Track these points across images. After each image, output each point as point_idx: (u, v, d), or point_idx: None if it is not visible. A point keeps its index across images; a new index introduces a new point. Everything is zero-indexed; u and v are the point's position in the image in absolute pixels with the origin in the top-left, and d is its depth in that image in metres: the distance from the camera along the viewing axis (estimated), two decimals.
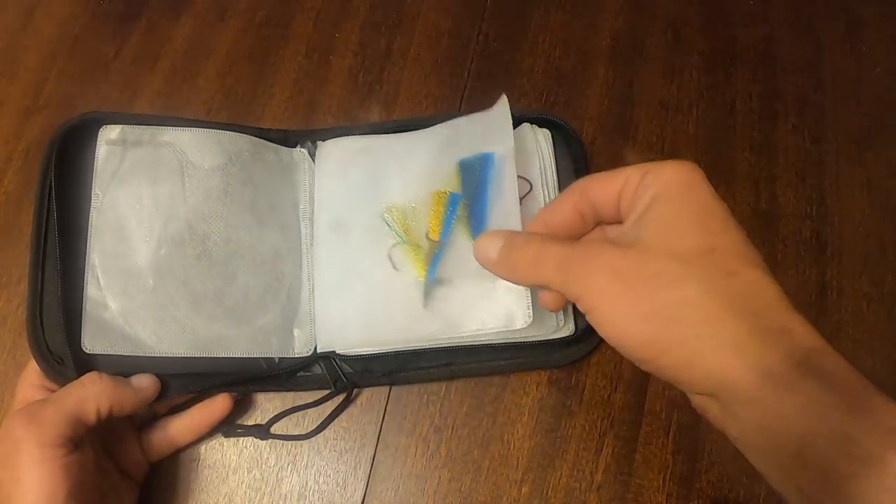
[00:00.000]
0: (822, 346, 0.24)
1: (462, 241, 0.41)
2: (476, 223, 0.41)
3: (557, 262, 0.28)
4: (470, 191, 0.41)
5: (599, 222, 0.32)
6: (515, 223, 0.38)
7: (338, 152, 0.47)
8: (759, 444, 0.24)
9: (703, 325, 0.24)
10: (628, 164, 0.29)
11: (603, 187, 0.30)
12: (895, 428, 0.22)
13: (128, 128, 0.43)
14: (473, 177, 0.42)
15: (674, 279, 0.25)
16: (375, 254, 0.44)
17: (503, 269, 0.31)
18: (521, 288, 0.39)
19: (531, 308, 0.39)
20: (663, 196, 0.27)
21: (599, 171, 0.31)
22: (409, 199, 0.44)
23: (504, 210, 0.39)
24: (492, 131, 0.41)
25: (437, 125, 0.46)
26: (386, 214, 0.44)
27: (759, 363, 0.23)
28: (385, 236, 0.44)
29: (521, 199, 0.42)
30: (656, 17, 0.55)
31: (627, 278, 0.25)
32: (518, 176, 0.39)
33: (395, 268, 0.43)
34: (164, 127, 0.43)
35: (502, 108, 0.41)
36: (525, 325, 0.39)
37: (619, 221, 0.30)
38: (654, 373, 0.26)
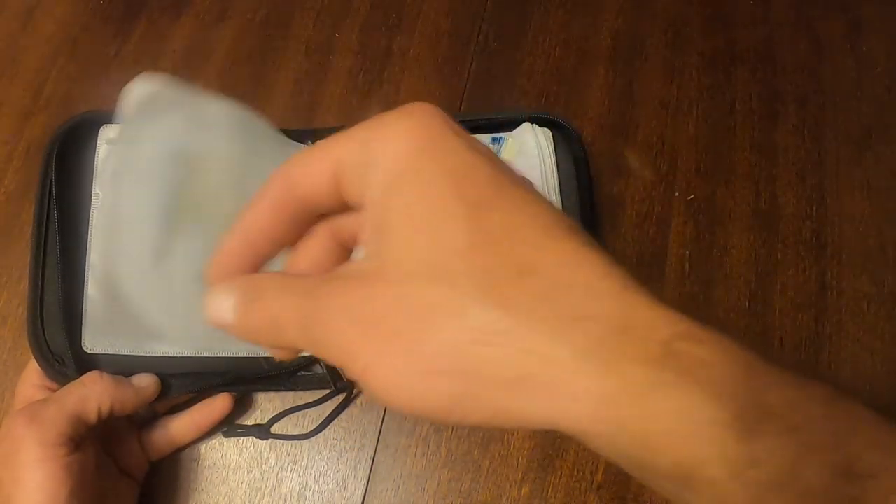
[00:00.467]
0: (685, 329, 0.17)
1: None
2: None
3: (297, 319, 0.19)
4: None
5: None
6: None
7: None
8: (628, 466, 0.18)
9: (512, 363, 0.17)
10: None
11: (311, 177, 0.20)
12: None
13: None
14: None
15: (445, 311, 0.17)
16: None
17: (246, 334, 0.21)
18: None
19: None
20: (398, 176, 0.18)
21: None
22: None
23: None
24: None
25: None
26: None
27: (602, 387, 0.16)
28: None
29: None
30: (656, 17, 0.55)
31: (384, 328, 0.18)
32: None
33: None
34: None
35: None
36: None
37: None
38: (473, 427, 0.19)
